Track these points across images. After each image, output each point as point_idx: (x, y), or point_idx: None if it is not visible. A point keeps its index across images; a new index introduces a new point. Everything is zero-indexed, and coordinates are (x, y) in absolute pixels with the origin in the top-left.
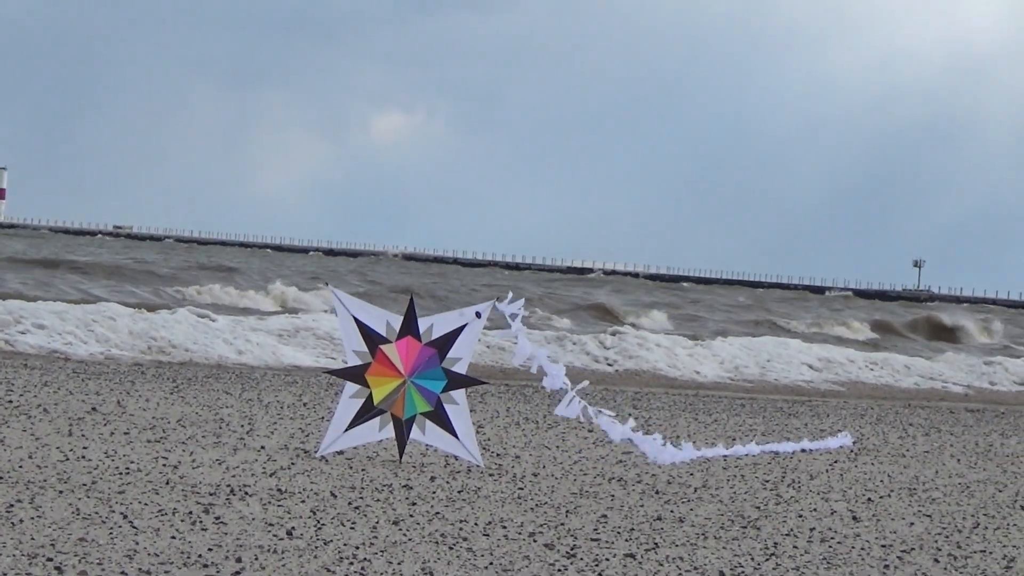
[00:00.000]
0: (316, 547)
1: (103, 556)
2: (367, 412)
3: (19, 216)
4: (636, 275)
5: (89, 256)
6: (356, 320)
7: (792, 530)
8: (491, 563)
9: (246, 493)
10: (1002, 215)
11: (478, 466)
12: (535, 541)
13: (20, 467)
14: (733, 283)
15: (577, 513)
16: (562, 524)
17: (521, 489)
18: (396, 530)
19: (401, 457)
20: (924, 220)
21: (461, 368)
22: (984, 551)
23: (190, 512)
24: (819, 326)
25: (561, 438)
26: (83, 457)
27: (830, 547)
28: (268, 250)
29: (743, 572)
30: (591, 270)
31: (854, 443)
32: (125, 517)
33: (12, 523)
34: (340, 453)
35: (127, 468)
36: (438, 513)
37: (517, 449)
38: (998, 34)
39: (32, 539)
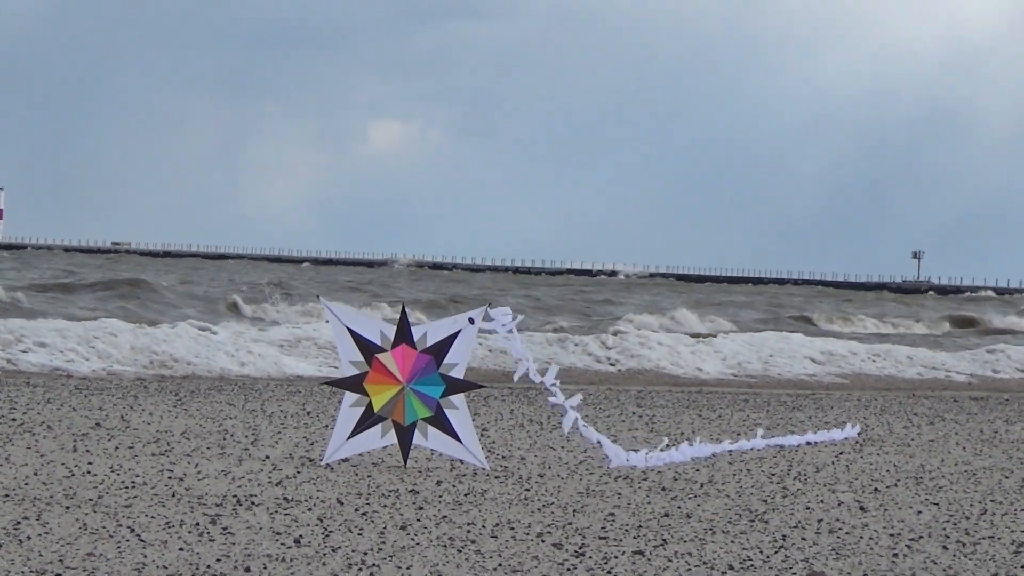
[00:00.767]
0: (324, 554)
1: (111, 570)
2: (368, 420)
3: (16, 236)
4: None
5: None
6: (350, 331)
7: (800, 522)
8: (500, 564)
9: (252, 503)
10: (999, 206)
11: (483, 469)
12: (543, 541)
13: (26, 484)
14: (735, 280)
15: (584, 512)
16: (570, 523)
17: (528, 490)
18: (404, 535)
19: (406, 462)
20: (923, 212)
21: (458, 373)
22: (992, 537)
23: (197, 523)
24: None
25: (566, 438)
26: (88, 472)
27: (838, 538)
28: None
29: (752, 565)
30: (590, 272)
31: (859, 434)
32: (132, 531)
33: (20, 540)
34: (345, 460)
35: (133, 482)
36: (445, 516)
37: (522, 451)
38: (993, 27)
39: (40, 555)
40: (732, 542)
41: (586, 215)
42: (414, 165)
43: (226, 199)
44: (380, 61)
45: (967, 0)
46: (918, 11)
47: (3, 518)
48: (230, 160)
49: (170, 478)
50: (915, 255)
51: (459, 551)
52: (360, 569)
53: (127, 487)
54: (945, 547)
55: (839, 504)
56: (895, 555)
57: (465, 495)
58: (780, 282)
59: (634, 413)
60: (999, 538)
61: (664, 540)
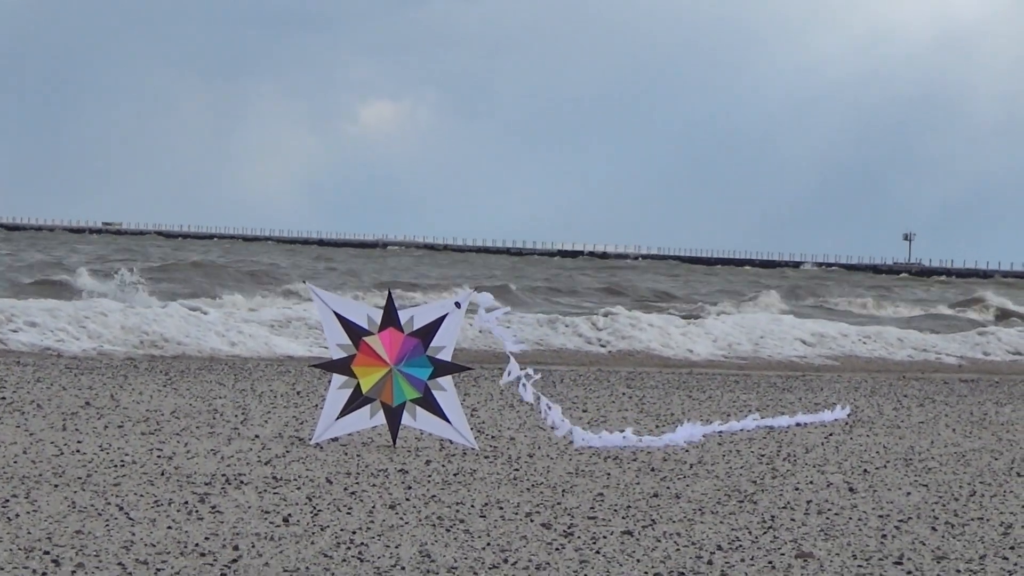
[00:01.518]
0: (313, 533)
1: (100, 548)
2: (356, 401)
3: (6, 216)
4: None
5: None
6: (337, 315)
7: (789, 503)
8: (488, 544)
9: (241, 482)
10: (991, 188)
11: (472, 449)
12: (532, 521)
13: (15, 462)
14: (726, 262)
15: (573, 492)
16: (559, 503)
17: (517, 470)
18: (393, 514)
19: (395, 442)
20: (914, 194)
21: (445, 356)
22: (981, 519)
23: (186, 502)
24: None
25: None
26: (77, 451)
27: (827, 519)
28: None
29: (741, 546)
30: (580, 253)
31: (848, 415)
32: (121, 509)
33: (8, 518)
34: (335, 440)
35: (122, 461)
36: (434, 496)
37: (512, 431)
38: (984, 8)
39: (29, 533)
40: (721, 523)
41: (576, 196)
42: (405, 145)
43: (217, 180)
44: (371, 41)
45: None
46: None
47: None
48: (221, 140)
49: (159, 457)
50: (906, 237)
51: (448, 530)
52: (348, 548)
53: (116, 466)
54: (934, 528)
55: (828, 485)
56: (884, 536)
57: (454, 475)
58: (770, 265)
59: (624, 394)
60: (988, 519)
61: (653, 520)
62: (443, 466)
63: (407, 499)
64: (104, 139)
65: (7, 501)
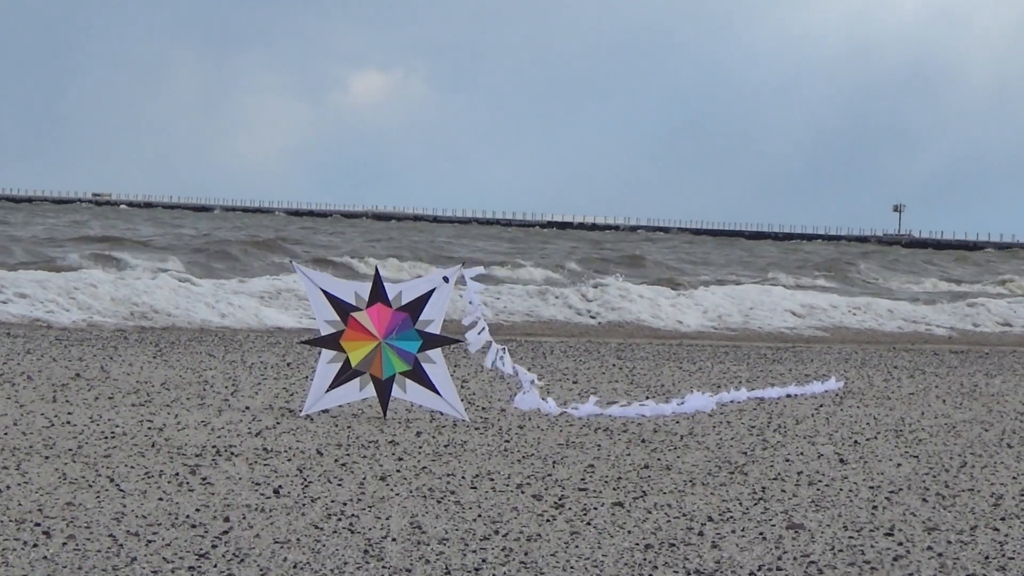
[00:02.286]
0: (304, 504)
1: (91, 520)
2: (346, 374)
3: None
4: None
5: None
6: (324, 292)
7: (779, 474)
8: (479, 515)
9: (232, 453)
10: (981, 159)
11: (463, 420)
12: (523, 492)
13: (5, 434)
14: (717, 233)
15: (564, 464)
16: (549, 475)
17: (507, 442)
18: (383, 485)
19: (385, 414)
20: (904, 166)
21: (434, 330)
22: (972, 490)
23: (177, 474)
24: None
25: (546, 390)
26: (68, 423)
27: (818, 490)
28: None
29: (732, 517)
30: (571, 224)
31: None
32: (112, 480)
33: None
34: (325, 412)
35: (112, 432)
36: (425, 468)
37: (502, 403)
38: None
39: (19, 505)
40: (712, 494)
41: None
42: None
43: (206, 150)
44: (361, 12)
45: None
46: None
47: None
48: (211, 111)
49: (150, 428)
50: (896, 208)
51: (438, 502)
52: (339, 519)
53: (107, 437)
54: (925, 499)
55: (819, 456)
56: (875, 507)
57: (445, 446)
58: (760, 236)
59: (614, 365)
60: (978, 491)
61: (644, 492)
62: (433, 438)
63: (398, 471)
64: (94, 111)
65: None
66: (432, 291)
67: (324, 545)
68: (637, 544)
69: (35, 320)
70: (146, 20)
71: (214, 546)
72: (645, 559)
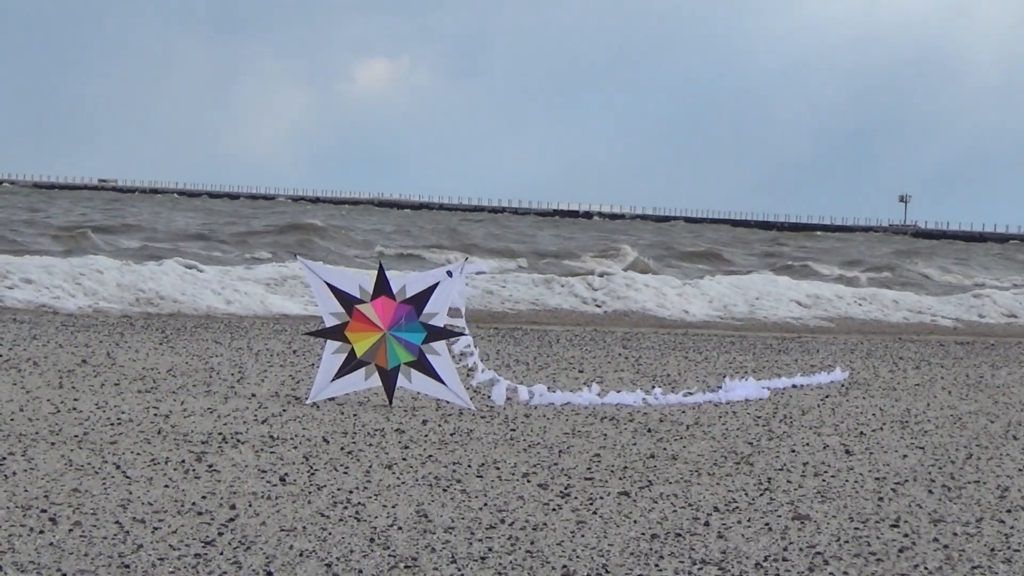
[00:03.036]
0: (310, 492)
1: (97, 506)
2: (351, 363)
3: (1, 172)
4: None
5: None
6: (329, 285)
7: (785, 465)
8: (485, 504)
9: (238, 441)
10: (987, 150)
11: (469, 409)
12: (529, 481)
13: (11, 420)
14: (721, 222)
15: (570, 453)
16: (555, 464)
17: (513, 430)
18: (389, 474)
19: (391, 402)
20: (910, 157)
21: (438, 323)
22: (978, 481)
23: (183, 461)
24: None
25: (552, 379)
26: (74, 409)
27: (824, 481)
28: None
29: (737, 507)
30: (576, 213)
31: (848, 377)
32: (118, 467)
33: (5, 476)
34: (331, 399)
35: (119, 419)
36: (431, 456)
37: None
38: None
39: (26, 491)
40: (718, 484)
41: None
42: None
43: (212, 137)
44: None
45: None
46: None
47: None
48: (216, 98)
49: (156, 415)
50: (902, 199)
51: (444, 490)
52: (345, 507)
53: (113, 424)
54: (930, 491)
55: (825, 447)
56: (880, 499)
57: (451, 435)
58: (766, 226)
59: (620, 355)
60: (984, 482)
61: (650, 481)
62: (440, 426)
63: (404, 459)
64: (100, 96)
65: (4, 459)
66: (436, 285)
67: (330, 533)
68: (643, 534)
69: (41, 306)
70: (154, 6)
71: (220, 533)
72: (651, 549)
